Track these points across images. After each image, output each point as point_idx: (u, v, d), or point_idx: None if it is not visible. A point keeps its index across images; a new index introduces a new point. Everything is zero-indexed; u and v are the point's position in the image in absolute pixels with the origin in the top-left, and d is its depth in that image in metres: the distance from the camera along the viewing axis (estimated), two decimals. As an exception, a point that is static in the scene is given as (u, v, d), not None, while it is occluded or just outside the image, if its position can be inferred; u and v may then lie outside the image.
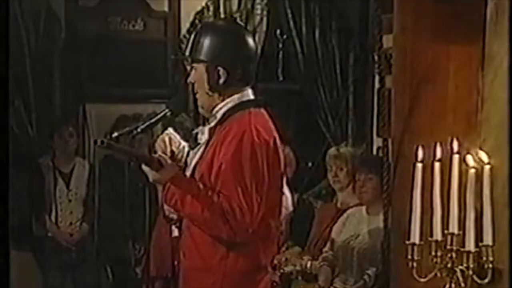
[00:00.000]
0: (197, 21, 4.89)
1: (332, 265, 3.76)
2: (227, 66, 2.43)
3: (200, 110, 2.53)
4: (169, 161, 2.43)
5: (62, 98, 4.84)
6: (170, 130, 2.63)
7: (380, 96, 3.04)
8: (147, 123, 2.49)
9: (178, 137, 2.62)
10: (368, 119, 4.89)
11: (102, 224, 4.49)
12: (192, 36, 2.51)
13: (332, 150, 4.10)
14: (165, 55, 5.02)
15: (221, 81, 2.44)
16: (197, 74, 2.47)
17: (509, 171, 2.24)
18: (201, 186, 2.38)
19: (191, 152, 2.54)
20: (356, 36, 4.95)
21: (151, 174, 2.42)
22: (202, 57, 2.45)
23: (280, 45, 5.18)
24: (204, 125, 2.57)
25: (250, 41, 2.49)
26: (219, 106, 2.47)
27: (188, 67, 2.53)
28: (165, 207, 2.53)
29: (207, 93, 2.46)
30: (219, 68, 2.43)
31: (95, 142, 2.29)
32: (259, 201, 2.35)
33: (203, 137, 2.51)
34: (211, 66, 2.43)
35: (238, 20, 4.78)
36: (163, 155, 2.47)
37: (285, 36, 5.13)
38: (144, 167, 2.42)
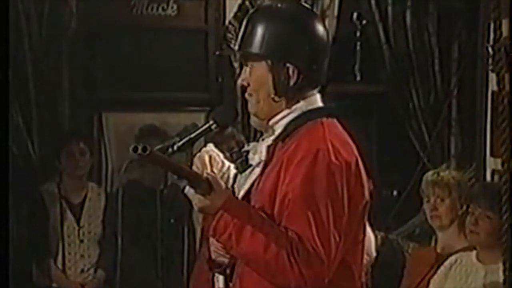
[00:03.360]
0: (247, 3, 4.92)
1: (431, 330, 3.73)
2: (299, 63, 2.44)
3: (253, 121, 2.54)
4: (221, 183, 2.42)
5: (72, 105, 4.91)
6: (211, 146, 2.62)
7: (495, 102, 3.00)
8: (187, 138, 2.48)
9: (221, 156, 2.62)
10: (478, 132, 4.83)
11: (123, 271, 4.54)
12: (244, 23, 2.51)
13: (430, 175, 4.07)
14: (206, 48, 5.06)
15: (291, 82, 2.44)
16: (255, 73, 2.47)
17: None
18: (263, 215, 2.36)
19: (239, 177, 2.54)
20: (462, 21, 4.90)
21: (197, 200, 2.40)
22: (262, 52, 2.44)
23: (358, 34, 5.18)
24: (257, 140, 2.57)
25: (321, 29, 2.50)
26: (279, 116, 2.47)
27: (236, 64, 2.53)
28: (212, 248, 2.52)
29: (273, 99, 2.46)
30: (289, 65, 2.44)
31: (135, 149, 2.26)
32: (338, 240, 2.33)
33: (255, 157, 2.50)
34: (278, 64, 2.44)
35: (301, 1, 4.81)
36: (212, 173, 2.46)
37: (364, 21, 5.12)
38: (188, 190, 2.42)
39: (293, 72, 2.43)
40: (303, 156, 2.36)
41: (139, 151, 2.26)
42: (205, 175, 2.43)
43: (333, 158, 2.35)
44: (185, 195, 2.44)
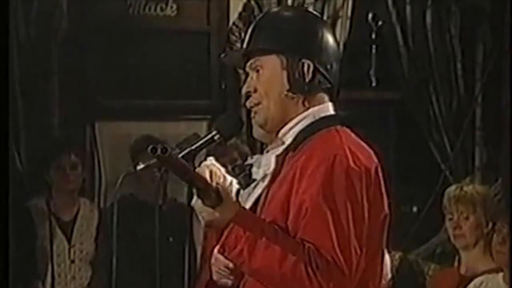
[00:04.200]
0: (253, 3, 4.95)
1: None
2: (315, 59, 2.47)
3: (259, 133, 2.55)
4: (231, 194, 2.43)
5: (62, 114, 4.90)
6: (212, 160, 2.62)
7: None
8: (187, 149, 2.47)
9: (223, 170, 2.61)
10: (505, 142, 4.82)
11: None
12: (252, 27, 2.55)
13: (452, 189, 4.07)
14: (208, 51, 5.08)
15: (307, 79, 2.47)
16: (264, 76, 2.49)
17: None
18: (276, 227, 2.36)
19: (241, 192, 2.54)
20: (487, 21, 4.92)
21: (206, 213, 2.40)
22: (278, 47, 2.48)
23: (374, 36, 5.20)
24: (261, 152, 2.58)
25: (331, 35, 2.55)
26: (289, 125, 2.48)
27: (241, 70, 2.54)
28: (214, 268, 2.50)
29: (286, 95, 2.47)
30: (304, 61, 2.46)
31: (153, 150, 2.26)
32: (359, 252, 2.33)
33: (260, 171, 2.51)
34: (293, 59, 2.47)
35: (312, 3, 4.85)
36: (221, 184, 2.47)
37: (380, 22, 5.15)
38: (195, 202, 2.41)
39: (308, 68, 2.47)
40: (319, 163, 2.36)
41: (158, 151, 2.25)
42: (214, 185, 2.42)
43: (351, 163, 2.36)
44: (192, 208, 2.44)
